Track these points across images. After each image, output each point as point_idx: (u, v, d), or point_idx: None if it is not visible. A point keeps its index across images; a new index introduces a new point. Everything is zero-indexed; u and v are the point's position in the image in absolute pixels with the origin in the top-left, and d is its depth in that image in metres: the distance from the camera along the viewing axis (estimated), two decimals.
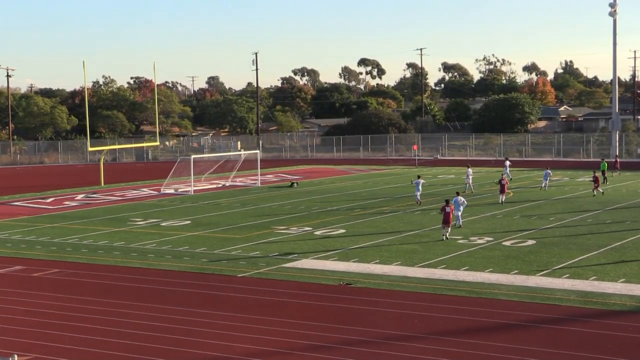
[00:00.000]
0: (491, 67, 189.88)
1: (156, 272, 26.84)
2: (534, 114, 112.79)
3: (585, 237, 32.12)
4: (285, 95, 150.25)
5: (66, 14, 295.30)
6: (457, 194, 36.83)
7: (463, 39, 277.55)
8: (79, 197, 52.13)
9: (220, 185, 58.19)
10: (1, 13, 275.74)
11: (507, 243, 30.80)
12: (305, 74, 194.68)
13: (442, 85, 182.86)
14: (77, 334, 19.45)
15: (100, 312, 21.45)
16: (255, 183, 58.89)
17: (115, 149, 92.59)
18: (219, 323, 20.17)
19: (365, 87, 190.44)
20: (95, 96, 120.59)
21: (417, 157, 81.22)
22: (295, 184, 57.69)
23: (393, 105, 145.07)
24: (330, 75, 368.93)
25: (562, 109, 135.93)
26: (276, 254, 29.49)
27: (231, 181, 60.24)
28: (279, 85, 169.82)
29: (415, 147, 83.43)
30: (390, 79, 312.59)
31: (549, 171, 51.85)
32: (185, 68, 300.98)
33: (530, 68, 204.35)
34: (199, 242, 32.67)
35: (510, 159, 64.81)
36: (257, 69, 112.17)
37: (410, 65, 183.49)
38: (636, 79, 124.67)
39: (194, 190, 53.51)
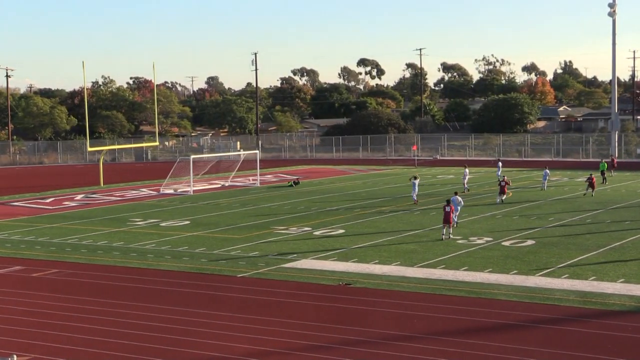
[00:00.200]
0: (490, 67, 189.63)
1: (155, 272, 26.84)
2: (533, 114, 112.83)
3: (584, 237, 32.13)
4: (285, 95, 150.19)
5: (66, 14, 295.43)
6: (455, 193, 36.93)
7: (462, 39, 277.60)
8: (79, 197, 52.13)
9: (219, 186, 58.22)
10: (1, 13, 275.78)
11: (507, 243, 30.81)
12: (305, 74, 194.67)
13: (442, 85, 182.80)
14: (76, 334, 19.46)
15: (99, 312, 21.46)
16: (255, 183, 58.93)
17: (114, 149, 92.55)
18: (218, 323, 20.18)
19: (364, 87, 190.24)
20: (95, 96, 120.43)
21: (416, 157, 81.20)
22: (295, 183, 57.72)
23: (392, 105, 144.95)
24: (329, 76, 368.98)
25: (561, 109, 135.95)
26: (275, 254, 29.51)
27: (230, 181, 60.26)
28: (279, 85, 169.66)
29: (414, 147, 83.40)
30: (389, 79, 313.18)
31: (547, 171, 51.94)
32: (184, 68, 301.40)
33: (530, 68, 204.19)
34: (199, 242, 32.67)
35: (501, 159, 65.51)
36: (256, 69, 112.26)
37: (409, 66, 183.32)
38: (635, 79, 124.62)
39: (194, 191, 53.54)
